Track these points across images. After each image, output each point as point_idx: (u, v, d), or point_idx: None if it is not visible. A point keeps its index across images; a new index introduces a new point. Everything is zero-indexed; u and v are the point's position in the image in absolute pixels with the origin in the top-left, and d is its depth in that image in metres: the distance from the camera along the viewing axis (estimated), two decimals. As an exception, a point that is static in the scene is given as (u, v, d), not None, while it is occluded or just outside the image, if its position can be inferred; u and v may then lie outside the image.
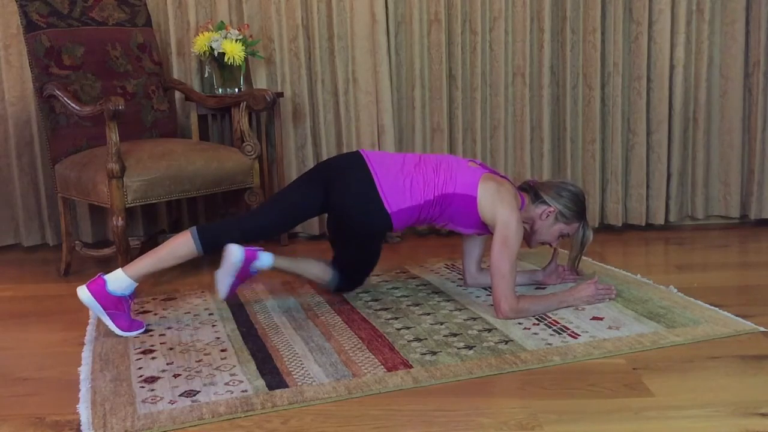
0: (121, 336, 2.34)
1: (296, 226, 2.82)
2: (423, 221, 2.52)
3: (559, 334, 2.26)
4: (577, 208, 2.54)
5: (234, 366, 2.09)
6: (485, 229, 2.51)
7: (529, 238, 2.59)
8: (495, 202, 2.41)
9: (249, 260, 2.42)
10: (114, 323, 2.34)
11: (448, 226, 2.54)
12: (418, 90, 3.60)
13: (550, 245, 2.64)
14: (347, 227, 2.51)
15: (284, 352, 2.18)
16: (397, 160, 2.52)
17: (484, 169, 2.55)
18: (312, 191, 2.51)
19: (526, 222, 2.52)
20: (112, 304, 2.33)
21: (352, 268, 2.65)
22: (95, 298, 2.30)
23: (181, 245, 2.41)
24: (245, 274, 2.45)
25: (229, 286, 2.45)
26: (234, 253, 2.39)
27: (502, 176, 2.58)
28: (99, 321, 2.47)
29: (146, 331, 2.38)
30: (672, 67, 3.58)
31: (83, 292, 2.31)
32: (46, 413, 1.86)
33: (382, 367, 2.05)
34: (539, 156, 3.68)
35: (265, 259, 2.47)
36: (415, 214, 2.46)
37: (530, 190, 2.56)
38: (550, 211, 2.51)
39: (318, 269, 2.63)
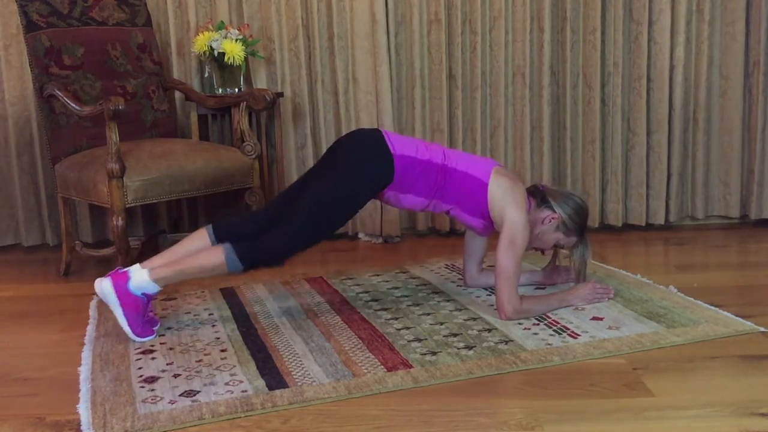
0: (135, 340, 2.29)
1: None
2: (427, 190, 2.42)
3: (559, 334, 2.26)
4: (580, 221, 2.52)
5: (234, 366, 2.09)
6: (489, 222, 2.48)
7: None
8: (506, 200, 2.40)
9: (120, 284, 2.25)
10: (128, 324, 2.27)
11: (454, 211, 2.49)
12: (418, 90, 3.60)
13: (542, 252, 2.63)
14: (338, 161, 2.42)
15: (284, 352, 2.18)
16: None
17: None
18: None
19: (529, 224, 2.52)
20: (132, 302, 2.26)
21: (289, 221, 2.36)
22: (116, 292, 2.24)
23: None
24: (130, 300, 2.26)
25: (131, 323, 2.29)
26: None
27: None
28: (99, 321, 2.47)
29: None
30: (672, 67, 3.58)
31: (105, 284, 2.23)
32: (46, 413, 1.86)
33: (382, 367, 2.05)
34: (539, 156, 3.67)
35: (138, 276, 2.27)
36: (418, 168, 2.39)
37: (538, 194, 2.55)
38: (553, 218, 2.49)
39: (205, 255, 2.33)
